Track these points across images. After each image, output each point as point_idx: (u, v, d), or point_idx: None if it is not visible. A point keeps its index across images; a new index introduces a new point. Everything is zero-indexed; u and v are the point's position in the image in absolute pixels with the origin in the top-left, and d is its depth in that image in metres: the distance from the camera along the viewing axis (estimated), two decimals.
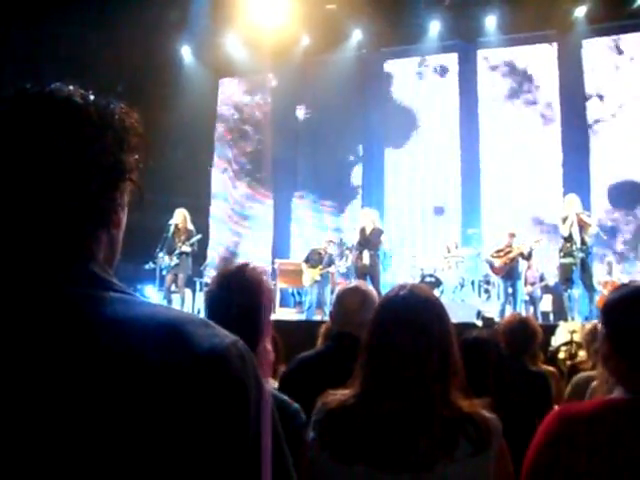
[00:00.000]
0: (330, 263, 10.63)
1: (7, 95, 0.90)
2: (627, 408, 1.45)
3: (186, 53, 14.71)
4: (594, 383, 2.79)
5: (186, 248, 9.94)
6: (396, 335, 1.66)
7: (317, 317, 10.14)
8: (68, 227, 0.86)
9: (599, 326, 1.62)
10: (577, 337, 5.62)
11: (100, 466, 0.74)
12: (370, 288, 2.82)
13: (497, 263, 9.93)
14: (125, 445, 0.74)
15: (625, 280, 10.14)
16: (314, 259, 10.70)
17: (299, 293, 12.08)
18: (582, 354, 5.12)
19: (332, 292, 10.96)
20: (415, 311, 1.69)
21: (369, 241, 9.71)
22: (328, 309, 10.33)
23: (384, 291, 3.66)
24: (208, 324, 0.86)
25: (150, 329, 0.81)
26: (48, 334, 0.78)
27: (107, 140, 0.89)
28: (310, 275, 10.61)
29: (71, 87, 0.92)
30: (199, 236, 10.27)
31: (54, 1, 11.38)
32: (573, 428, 1.43)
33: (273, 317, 9.02)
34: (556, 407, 1.95)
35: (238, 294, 1.95)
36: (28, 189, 0.83)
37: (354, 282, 3.04)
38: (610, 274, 10.44)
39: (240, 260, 2.16)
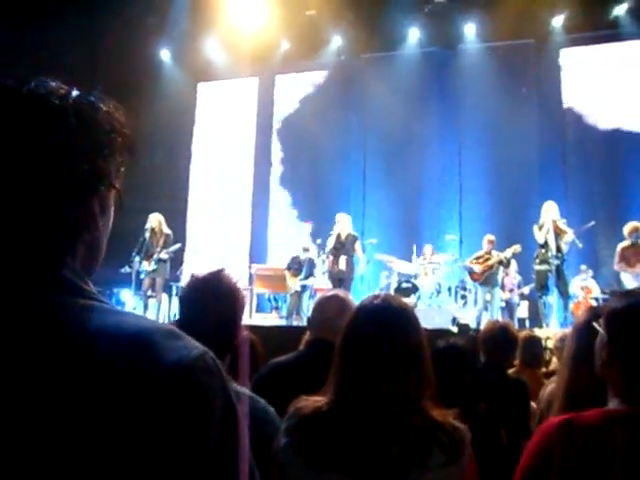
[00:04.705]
0: (309, 275, 10.68)
1: None
2: (628, 419, 1.43)
3: (165, 57, 14.66)
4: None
5: (164, 256, 9.94)
6: (370, 343, 1.64)
7: (296, 323, 10.13)
8: (41, 236, 0.83)
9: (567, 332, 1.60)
10: (551, 344, 5.66)
11: (62, 471, 0.73)
12: (350, 297, 2.81)
13: (477, 269, 9.92)
14: (85, 452, 0.73)
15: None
16: (294, 267, 10.79)
17: (275, 299, 12.07)
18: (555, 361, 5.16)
19: (310, 298, 11.03)
20: (390, 320, 1.68)
21: (344, 246, 9.75)
22: (306, 316, 10.36)
23: (355, 297, 3.68)
24: (177, 335, 0.84)
25: (117, 339, 0.79)
26: (9, 341, 0.77)
27: (83, 145, 0.85)
28: (291, 284, 10.73)
29: (53, 84, 0.87)
30: (178, 245, 10.28)
31: (34, 6, 11.28)
32: (572, 438, 1.41)
33: (250, 322, 9.04)
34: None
35: (214, 300, 1.95)
36: None
37: (333, 290, 3.02)
38: (586, 280, 10.54)
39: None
